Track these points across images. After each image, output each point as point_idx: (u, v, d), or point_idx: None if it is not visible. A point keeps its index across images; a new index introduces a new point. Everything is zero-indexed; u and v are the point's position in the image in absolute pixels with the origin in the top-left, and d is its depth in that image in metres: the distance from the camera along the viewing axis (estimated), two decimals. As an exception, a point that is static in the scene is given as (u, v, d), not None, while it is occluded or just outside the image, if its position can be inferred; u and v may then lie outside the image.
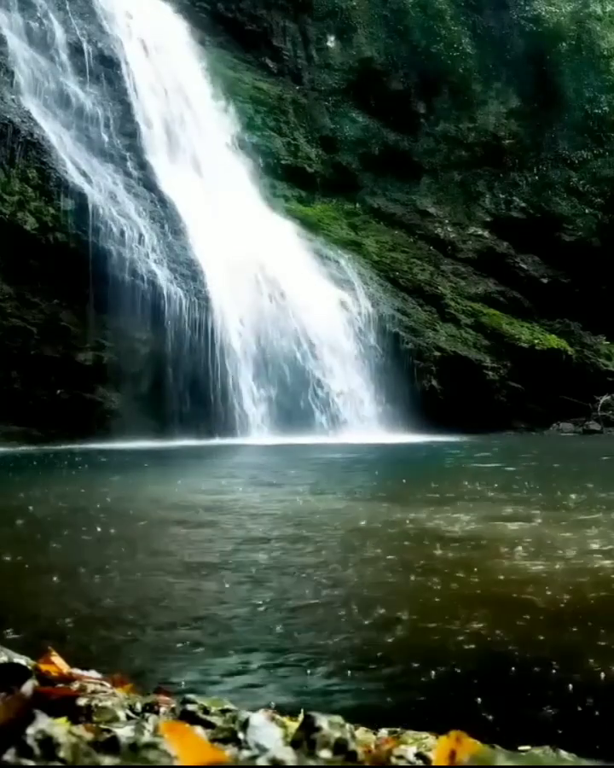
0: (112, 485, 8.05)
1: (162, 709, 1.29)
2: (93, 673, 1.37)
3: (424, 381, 19.79)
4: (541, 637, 2.87)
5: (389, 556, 4.24)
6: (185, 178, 18.82)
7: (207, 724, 1.13)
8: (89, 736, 0.95)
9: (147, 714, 1.25)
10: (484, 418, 19.52)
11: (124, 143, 18.37)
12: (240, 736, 1.04)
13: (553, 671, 2.50)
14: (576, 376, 21.18)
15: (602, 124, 23.85)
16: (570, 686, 2.37)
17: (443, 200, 23.20)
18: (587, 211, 23.53)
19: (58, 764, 0.87)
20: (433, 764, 1.04)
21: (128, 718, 1.18)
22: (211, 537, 5.01)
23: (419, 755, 1.11)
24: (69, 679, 1.32)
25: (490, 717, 2.15)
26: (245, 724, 1.06)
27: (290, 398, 17.30)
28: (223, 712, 1.20)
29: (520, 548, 4.42)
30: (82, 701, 1.17)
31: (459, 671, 2.51)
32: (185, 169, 19.26)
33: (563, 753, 1.30)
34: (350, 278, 19.69)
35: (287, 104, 22.61)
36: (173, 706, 1.30)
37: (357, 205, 22.66)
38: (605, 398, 20.95)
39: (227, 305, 17.05)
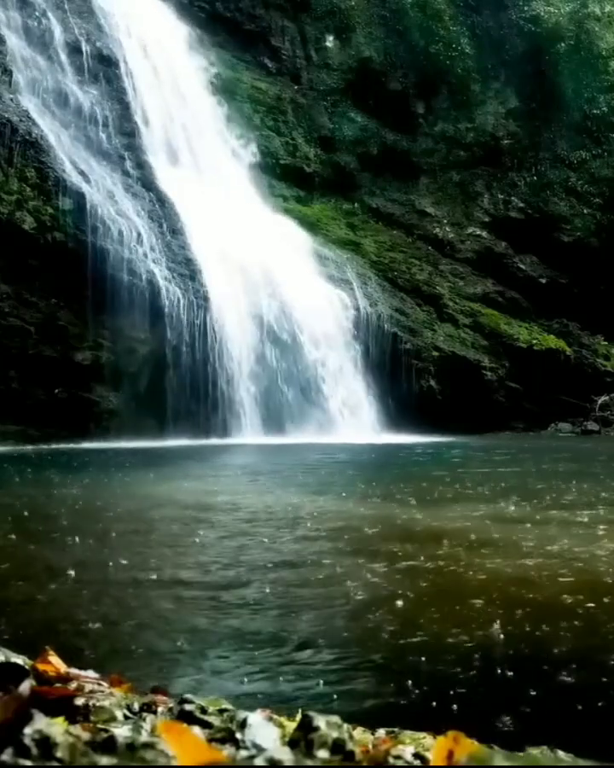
0: (105, 484, 8.05)
1: (160, 709, 1.29)
2: (90, 673, 1.37)
3: (422, 380, 19.79)
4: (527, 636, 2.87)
5: (384, 555, 4.24)
6: (183, 178, 18.80)
7: (205, 724, 1.13)
8: (86, 735, 0.95)
9: (144, 714, 1.25)
10: (482, 418, 19.53)
11: (122, 143, 18.35)
12: (238, 735, 1.04)
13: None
14: (574, 376, 21.19)
15: (600, 124, 23.85)
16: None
17: (442, 200, 23.20)
18: (585, 211, 23.54)
19: (55, 764, 0.86)
20: (431, 764, 1.04)
21: (125, 717, 1.18)
22: (202, 535, 5.01)
23: (416, 755, 1.11)
24: (67, 679, 1.32)
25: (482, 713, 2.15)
26: (242, 724, 1.06)
27: (287, 398, 17.30)
28: (221, 711, 1.20)
29: (523, 548, 4.42)
30: (79, 701, 1.16)
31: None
32: (183, 168, 19.24)
33: (561, 753, 1.30)
34: (349, 278, 19.68)
35: (286, 104, 22.60)
36: (171, 705, 1.30)
37: (356, 205, 22.65)
38: (603, 398, 20.96)
39: (225, 304, 17.04)
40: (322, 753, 0.97)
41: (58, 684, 1.27)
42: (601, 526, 5.06)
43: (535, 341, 21.35)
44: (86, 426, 15.35)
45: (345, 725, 1.06)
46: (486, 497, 6.71)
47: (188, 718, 1.17)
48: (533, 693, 2.33)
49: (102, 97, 18.50)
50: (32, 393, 15.35)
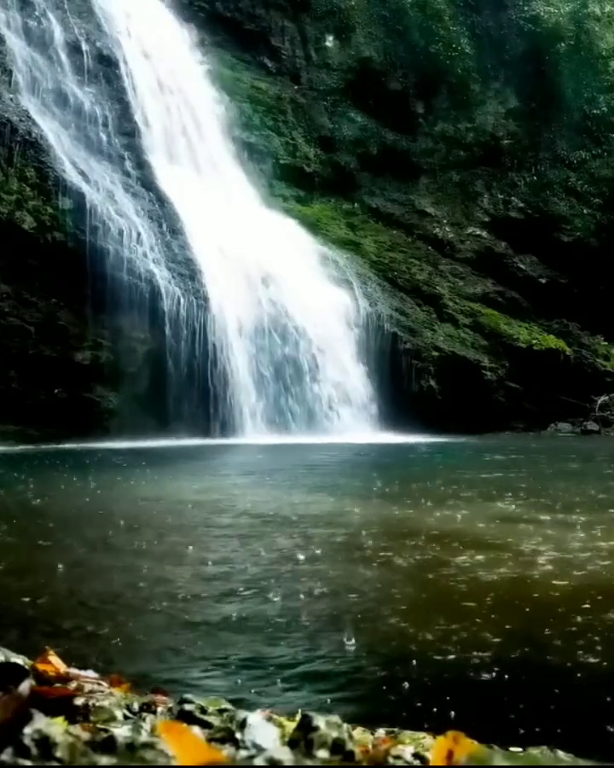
0: (104, 485, 8.05)
1: (159, 709, 1.29)
2: (90, 673, 1.37)
3: (422, 380, 19.77)
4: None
5: (383, 558, 4.24)
6: (183, 178, 18.80)
7: (204, 724, 1.13)
8: (86, 735, 0.95)
9: (144, 714, 1.25)
10: (482, 418, 19.52)
11: (122, 143, 18.35)
12: (238, 735, 1.04)
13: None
14: (574, 376, 21.18)
15: (600, 124, 23.85)
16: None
17: (442, 200, 23.20)
18: (585, 211, 23.53)
19: (55, 763, 0.86)
20: (431, 764, 1.04)
21: (125, 717, 1.18)
22: (201, 537, 5.01)
23: (416, 755, 1.11)
24: (66, 679, 1.32)
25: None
26: (242, 724, 1.06)
27: (288, 398, 17.29)
28: (221, 711, 1.20)
29: (522, 549, 4.43)
30: (79, 701, 1.16)
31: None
32: (183, 168, 19.24)
33: (560, 753, 1.30)
34: (349, 278, 19.67)
35: (286, 104, 22.59)
36: (170, 705, 1.30)
37: (355, 205, 22.65)
38: (603, 398, 20.95)
39: (225, 304, 17.04)
40: (322, 753, 0.97)
41: (58, 684, 1.27)
42: (600, 527, 5.06)
43: (534, 341, 21.35)
44: (86, 426, 15.34)
45: (345, 725, 1.06)
46: (485, 498, 6.71)
47: (187, 718, 1.17)
48: (532, 694, 2.33)
49: (102, 97, 18.50)
50: (32, 393, 15.35)
